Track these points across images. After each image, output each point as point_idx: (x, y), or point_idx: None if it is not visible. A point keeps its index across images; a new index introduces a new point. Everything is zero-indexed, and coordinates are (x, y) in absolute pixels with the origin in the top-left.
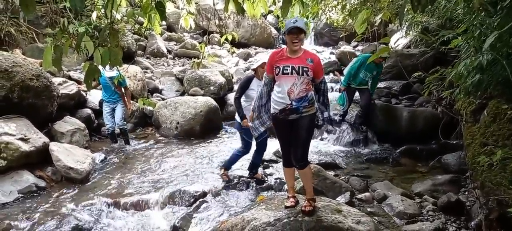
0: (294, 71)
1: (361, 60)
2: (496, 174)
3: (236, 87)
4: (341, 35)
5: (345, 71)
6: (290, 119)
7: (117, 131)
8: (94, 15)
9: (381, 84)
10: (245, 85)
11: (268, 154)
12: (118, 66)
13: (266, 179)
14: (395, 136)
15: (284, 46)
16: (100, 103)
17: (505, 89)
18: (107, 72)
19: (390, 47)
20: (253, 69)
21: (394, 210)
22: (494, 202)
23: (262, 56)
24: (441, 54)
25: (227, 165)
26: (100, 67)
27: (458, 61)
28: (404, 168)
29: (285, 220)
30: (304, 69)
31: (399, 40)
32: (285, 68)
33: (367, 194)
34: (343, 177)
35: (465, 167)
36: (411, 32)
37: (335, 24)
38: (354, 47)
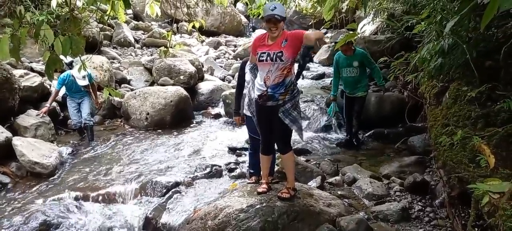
0: (268, 58)
1: (335, 59)
2: (456, 153)
3: (207, 75)
4: (310, 22)
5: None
6: (268, 106)
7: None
8: (53, 3)
9: None
10: (240, 74)
11: (240, 142)
12: (80, 55)
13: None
14: (363, 120)
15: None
16: (64, 98)
17: (466, 72)
18: (80, 81)
19: (356, 33)
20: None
21: (363, 192)
22: (455, 180)
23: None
24: (406, 40)
25: (252, 171)
26: (73, 73)
27: (421, 46)
28: (373, 151)
29: (258, 206)
30: (278, 55)
31: (365, 26)
32: (262, 55)
33: (337, 177)
34: (314, 162)
35: (430, 148)
36: (377, 19)
37: (304, 11)
38: (323, 34)
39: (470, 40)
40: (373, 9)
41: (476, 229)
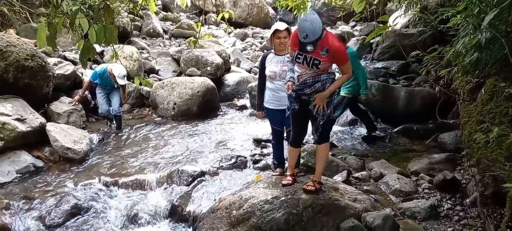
0: (305, 62)
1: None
2: (492, 151)
3: (233, 67)
4: (339, 15)
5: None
6: (303, 99)
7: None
8: None
9: (378, 65)
10: (261, 69)
11: (265, 134)
12: (113, 44)
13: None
14: (392, 115)
15: None
16: (93, 87)
17: (503, 68)
18: (120, 80)
19: (388, 26)
20: (268, 41)
21: (390, 188)
22: (490, 178)
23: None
24: (439, 33)
25: (277, 163)
26: (114, 73)
27: (456, 40)
28: (401, 147)
29: (283, 198)
30: (315, 62)
31: (397, 19)
32: (299, 56)
33: (363, 172)
34: (340, 156)
35: (461, 146)
36: (410, 11)
37: (333, 3)
38: (352, 27)
39: (509, 34)
40: (406, 1)
41: (510, 230)
